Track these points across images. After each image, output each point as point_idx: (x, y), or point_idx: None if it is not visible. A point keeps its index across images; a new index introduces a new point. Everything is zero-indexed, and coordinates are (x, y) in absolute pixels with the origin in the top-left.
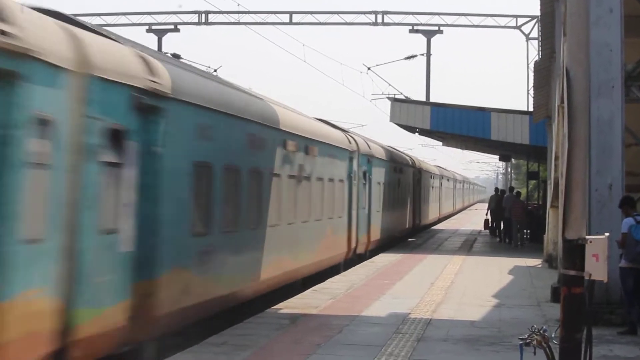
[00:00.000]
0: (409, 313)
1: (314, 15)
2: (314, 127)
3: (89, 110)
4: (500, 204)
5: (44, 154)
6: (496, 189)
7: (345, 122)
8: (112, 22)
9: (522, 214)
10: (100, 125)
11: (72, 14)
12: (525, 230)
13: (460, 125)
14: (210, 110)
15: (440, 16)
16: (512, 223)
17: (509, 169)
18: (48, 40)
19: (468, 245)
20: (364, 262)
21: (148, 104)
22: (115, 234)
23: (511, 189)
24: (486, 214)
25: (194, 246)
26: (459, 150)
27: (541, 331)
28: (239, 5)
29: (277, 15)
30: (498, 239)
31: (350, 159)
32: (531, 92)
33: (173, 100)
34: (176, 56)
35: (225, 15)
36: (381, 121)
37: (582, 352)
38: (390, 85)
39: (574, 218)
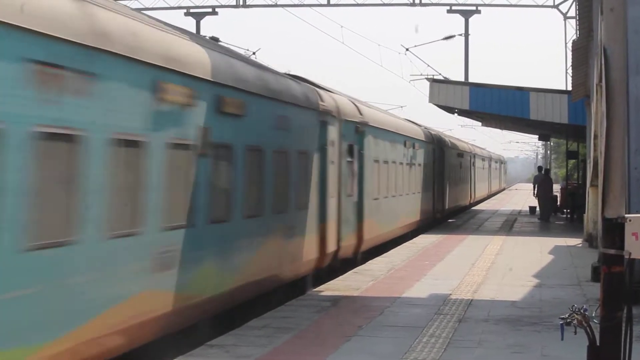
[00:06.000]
0: (450, 294)
1: None
2: None
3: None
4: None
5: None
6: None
7: (384, 103)
8: (150, 6)
9: (548, 191)
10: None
11: None
12: (565, 210)
13: (499, 105)
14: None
15: None
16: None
17: (549, 149)
18: (330, 103)
19: (508, 225)
20: (405, 243)
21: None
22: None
23: (539, 168)
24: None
25: None
26: (498, 130)
27: (582, 311)
28: None
29: None
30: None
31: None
32: (569, 71)
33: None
34: (214, 39)
35: None
36: (420, 102)
37: (623, 331)
38: (428, 66)
39: (613, 197)
